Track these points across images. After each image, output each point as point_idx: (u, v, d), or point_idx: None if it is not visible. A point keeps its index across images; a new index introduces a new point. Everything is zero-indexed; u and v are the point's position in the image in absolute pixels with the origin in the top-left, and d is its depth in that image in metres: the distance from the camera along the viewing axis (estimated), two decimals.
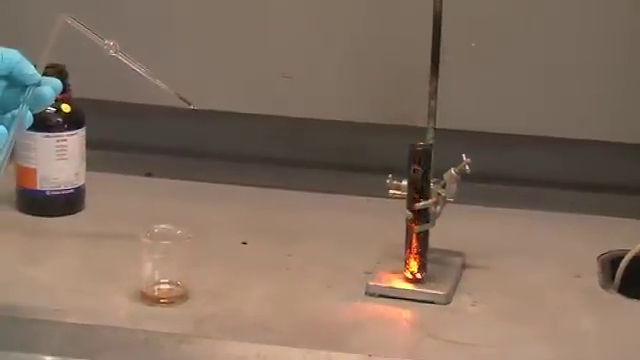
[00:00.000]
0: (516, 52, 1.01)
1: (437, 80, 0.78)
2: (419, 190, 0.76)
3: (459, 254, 0.84)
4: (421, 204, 0.76)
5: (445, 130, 0.82)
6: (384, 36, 1.03)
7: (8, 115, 0.61)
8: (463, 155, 0.77)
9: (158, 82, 0.65)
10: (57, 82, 0.62)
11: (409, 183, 0.77)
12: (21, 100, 0.60)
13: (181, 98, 0.69)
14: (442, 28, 0.77)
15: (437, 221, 0.79)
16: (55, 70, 0.74)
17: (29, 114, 0.61)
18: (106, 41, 0.63)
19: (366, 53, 1.04)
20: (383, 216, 0.84)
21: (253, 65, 1.06)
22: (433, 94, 0.78)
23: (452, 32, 0.83)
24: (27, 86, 0.61)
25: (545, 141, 1.02)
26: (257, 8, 1.05)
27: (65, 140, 0.91)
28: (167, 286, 0.75)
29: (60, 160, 0.91)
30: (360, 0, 1.04)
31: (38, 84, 0.61)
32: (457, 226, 0.84)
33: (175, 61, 1.03)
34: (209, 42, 1.07)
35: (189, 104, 0.70)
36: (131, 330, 0.70)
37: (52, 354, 0.69)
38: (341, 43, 1.04)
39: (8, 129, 0.59)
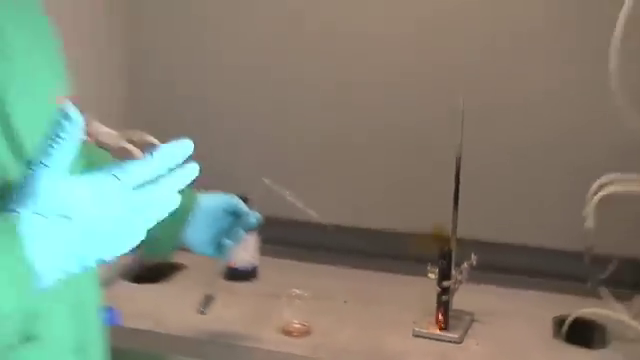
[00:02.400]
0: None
1: (457, 210, 1.32)
2: (445, 274, 1.29)
3: (469, 313, 1.36)
4: (446, 283, 1.29)
5: (463, 239, 1.35)
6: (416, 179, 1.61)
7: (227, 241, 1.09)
8: (472, 254, 1.31)
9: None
10: (259, 215, 1.14)
11: (439, 270, 1.29)
12: (240, 226, 1.10)
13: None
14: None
15: (456, 293, 1.31)
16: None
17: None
18: (288, 192, 1.19)
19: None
20: (424, 289, 1.35)
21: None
22: (455, 221, 1.31)
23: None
24: (242, 217, 1.11)
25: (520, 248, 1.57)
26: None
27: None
28: (297, 325, 1.28)
29: (245, 251, 1.47)
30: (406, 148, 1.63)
31: (248, 215, 1.13)
32: (468, 296, 1.35)
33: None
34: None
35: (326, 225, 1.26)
36: (274, 352, 1.23)
37: None
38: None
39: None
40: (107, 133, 1.44)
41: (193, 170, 0.58)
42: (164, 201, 0.57)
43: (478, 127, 1.36)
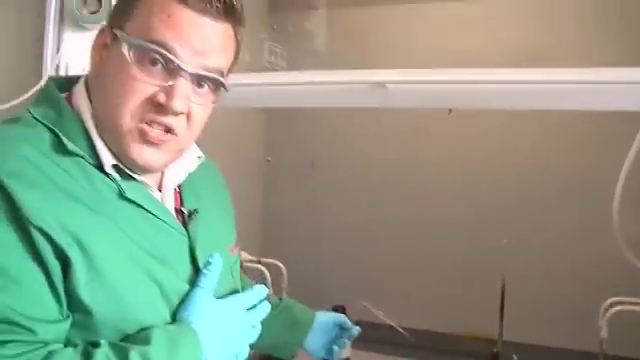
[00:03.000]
0: None
1: (502, 319, 1.77)
2: None
3: None
4: None
5: (507, 341, 1.80)
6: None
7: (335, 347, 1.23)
8: (513, 355, 1.74)
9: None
10: (359, 328, 1.21)
11: None
12: (345, 336, 1.22)
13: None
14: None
15: None
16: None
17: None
18: (380, 313, 1.71)
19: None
20: None
21: None
22: (501, 328, 1.77)
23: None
24: (347, 329, 1.22)
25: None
26: None
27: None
28: None
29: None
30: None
31: (352, 329, 1.23)
32: None
33: None
34: None
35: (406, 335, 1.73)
36: None
37: None
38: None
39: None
40: (249, 259, 2.04)
41: (267, 308, 0.91)
42: (258, 324, 0.89)
43: (518, 255, 1.85)
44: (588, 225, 1.97)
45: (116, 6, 0.86)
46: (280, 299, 1.25)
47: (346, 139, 2.35)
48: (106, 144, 0.82)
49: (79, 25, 1.45)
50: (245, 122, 2.36)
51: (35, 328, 0.71)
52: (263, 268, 2.00)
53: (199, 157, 0.97)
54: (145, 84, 0.80)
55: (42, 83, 1.43)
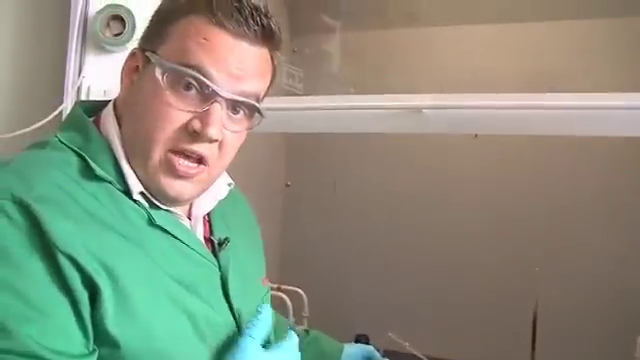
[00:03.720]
0: None
1: (534, 350, 1.70)
2: None
3: None
4: None
5: None
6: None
7: None
8: None
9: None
10: None
11: None
12: None
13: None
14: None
15: None
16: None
17: None
18: (406, 344, 1.65)
19: None
20: None
21: None
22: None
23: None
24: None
25: None
26: None
27: None
28: None
29: None
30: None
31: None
32: None
33: None
34: None
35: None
36: None
37: None
38: None
39: None
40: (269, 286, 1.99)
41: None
42: None
43: (551, 283, 1.78)
44: (625, 253, 1.91)
45: (148, 29, 0.83)
46: (307, 331, 1.20)
47: (368, 162, 2.30)
48: (134, 170, 0.79)
49: (101, 47, 1.42)
50: (264, 145, 2.32)
51: None
52: (284, 296, 1.95)
53: (229, 184, 0.93)
54: (179, 111, 0.77)
55: (64, 107, 1.40)
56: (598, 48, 2.10)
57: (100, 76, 1.42)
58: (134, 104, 0.80)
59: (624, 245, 1.92)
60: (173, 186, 0.78)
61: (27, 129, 1.36)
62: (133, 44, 1.38)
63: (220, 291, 0.84)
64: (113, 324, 0.69)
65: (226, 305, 0.83)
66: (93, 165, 0.77)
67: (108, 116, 0.83)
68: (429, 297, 2.18)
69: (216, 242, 0.88)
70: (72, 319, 0.68)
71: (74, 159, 0.77)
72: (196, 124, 0.76)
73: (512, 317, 1.93)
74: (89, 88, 1.43)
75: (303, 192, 2.40)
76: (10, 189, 0.70)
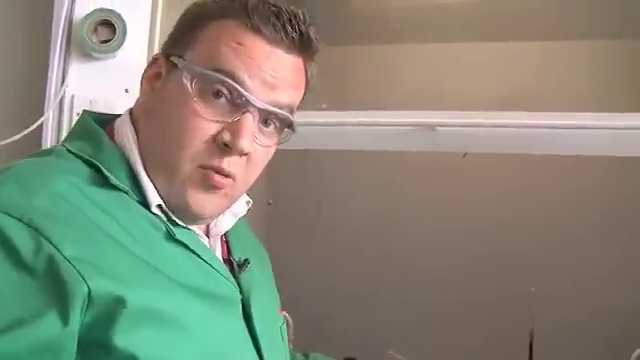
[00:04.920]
0: None
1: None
2: None
3: None
4: None
5: None
6: None
7: None
8: None
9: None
10: None
11: None
12: None
13: None
14: None
15: None
16: None
17: None
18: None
19: None
20: None
21: None
22: None
23: None
24: None
25: None
26: None
27: None
28: None
29: None
30: None
31: None
32: None
33: None
34: None
35: None
36: None
37: None
38: None
39: None
40: None
41: None
42: None
43: (546, 302, 1.75)
44: (619, 271, 1.91)
45: (174, 33, 0.77)
46: (306, 355, 1.17)
47: (354, 180, 2.25)
48: (153, 182, 0.72)
49: (88, 55, 1.32)
50: None
51: None
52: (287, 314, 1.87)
53: (248, 202, 0.88)
54: (207, 121, 0.71)
55: (44, 118, 1.30)
56: (570, 69, 2.13)
57: (86, 85, 1.32)
58: (156, 113, 0.73)
59: (618, 261, 1.93)
60: (200, 200, 0.73)
61: (4, 141, 1.25)
62: (123, 52, 1.31)
63: (240, 317, 0.78)
64: (129, 345, 0.62)
65: (247, 335, 0.78)
66: (107, 173, 0.70)
67: (124, 125, 0.76)
68: (423, 317, 2.13)
69: (235, 263, 0.82)
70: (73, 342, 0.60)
71: (84, 168, 0.70)
72: (226, 136, 0.71)
73: (508, 336, 1.90)
74: (73, 98, 1.32)
75: (286, 211, 2.32)
76: (9, 201, 0.62)
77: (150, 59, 0.78)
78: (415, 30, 2.20)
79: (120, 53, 1.30)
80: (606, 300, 1.95)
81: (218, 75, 0.70)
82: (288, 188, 2.34)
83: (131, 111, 0.79)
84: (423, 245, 2.17)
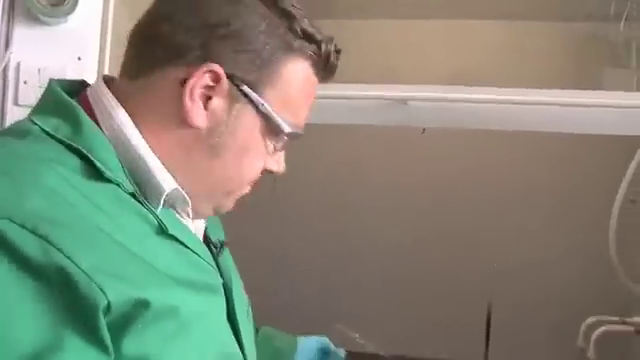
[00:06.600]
0: None
1: (488, 347, 1.70)
2: None
3: None
4: None
5: None
6: None
7: None
8: None
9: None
10: (344, 351, 1.45)
11: None
12: None
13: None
14: None
15: None
16: None
17: None
18: (355, 335, 1.57)
19: None
20: None
21: None
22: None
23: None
24: (331, 354, 1.44)
25: None
26: None
27: None
28: None
29: None
30: None
31: (336, 352, 1.46)
32: None
33: None
34: None
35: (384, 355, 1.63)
36: None
37: None
38: None
39: None
40: None
41: None
42: None
43: (505, 280, 1.79)
44: (573, 247, 1.98)
45: (242, 50, 0.68)
46: (256, 329, 1.11)
47: (314, 156, 2.21)
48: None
49: (35, 18, 1.22)
50: None
51: None
52: None
53: None
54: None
55: None
56: (517, 48, 2.16)
57: (33, 52, 1.22)
58: (209, 138, 0.68)
59: (572, 238, 1.99)
60: (206, 213, 0.76)
61: None
62: (76, 16, 1.22)
63: (223, 301, 0.76)
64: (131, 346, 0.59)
65: (229, 324, 0.76)
66: (99, 165, 0.63)
67: (114, 109, 0.68)
68: (383, 293, 2.14)
69: (213, 245, 0.79)
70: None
71: (66, 154, 0.63)
72: (273, 166, 0.75)
73: (466, 312, 1.94)
74: (19, 65, 1.22)
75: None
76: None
77: (191, 60, 0.66)
78: (373, 6, 2.18)
79: (73, 18, 1.21)
80: (560, 275, 2.03)
81: (299, 133, 0.73)
82: None
83: (131, 104, 0.68)
84: (379, 222, 2.17)
